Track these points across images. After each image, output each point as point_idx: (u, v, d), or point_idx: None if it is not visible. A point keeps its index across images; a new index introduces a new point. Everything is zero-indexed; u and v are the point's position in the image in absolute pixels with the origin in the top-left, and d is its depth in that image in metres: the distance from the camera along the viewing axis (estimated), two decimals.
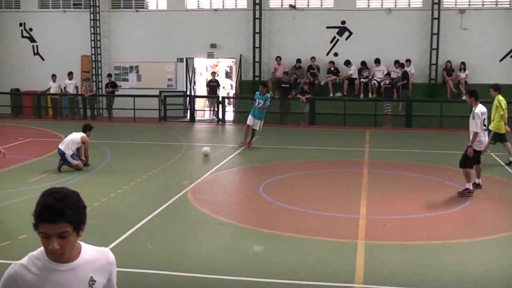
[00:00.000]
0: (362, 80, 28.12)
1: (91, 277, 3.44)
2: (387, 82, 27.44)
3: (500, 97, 16.76)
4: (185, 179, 14.65)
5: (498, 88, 16.99)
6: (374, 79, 27.95)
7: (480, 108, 13.13)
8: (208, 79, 31.11)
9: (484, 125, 13.30)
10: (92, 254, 3.49)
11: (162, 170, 16.12)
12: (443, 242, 10.07)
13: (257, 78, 29.60)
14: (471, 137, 13.02)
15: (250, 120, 20.48)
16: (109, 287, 3.61)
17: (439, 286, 8.06)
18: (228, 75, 35.00)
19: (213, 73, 30.85)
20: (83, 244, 3.48)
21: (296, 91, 27.68)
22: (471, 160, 13.08)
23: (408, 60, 27.79)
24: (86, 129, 16.36)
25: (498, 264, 9.17)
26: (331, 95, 28.33)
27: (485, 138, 13.41)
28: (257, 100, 20.46)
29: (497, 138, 17.01)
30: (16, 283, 3.35)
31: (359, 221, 11.18)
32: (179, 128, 26.45)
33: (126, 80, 31.19)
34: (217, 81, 30.19)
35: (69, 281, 3.37)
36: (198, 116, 30.32)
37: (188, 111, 29.73)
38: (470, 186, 13.08)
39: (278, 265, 8.84)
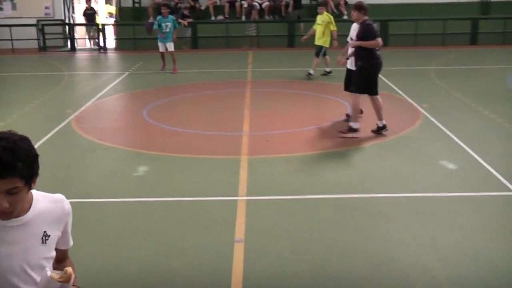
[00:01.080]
0: (243, 2, 28.16)
1: (45, 231, 2.95)
2: (246, 5, 27.72)
3: (329, 14, 18.01)
4: (68, 108, 14.45)
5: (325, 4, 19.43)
6: (256, 1, 28.02)
7: None
8: (85, 7, 30.34)
9: None
10: (45, 205, 2.96)
11: (44, 100, 15.81)
12: (324, 152, 10.53)
13: (137, 5, 29.17)
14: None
15: (161, 46, 20.47)
16: (64, 239, 3.14)
17: (324, 190, 8.47)
18: (108, 1, 34.22)
19: (88, 1, 30.02)
20: (34, 192, 2.95)
21: (177, 16, 27.43)
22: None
23: None
24: None
25: (374, 166, 9.71)
26: (213, 18, 28.27)
27: None
28: (162, 25, 20.21)
29: (319, 51, 18.34)
30: None
31: (242, 138, 11.47)
32: (60, 58, 25.80)
33: (0, 9, 29.92)
34: (93, 9, 29.48)
35: (19, 239, 2.86)
36: (80, 45, 29.64)
37: (68, 40, 29.03)
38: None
39: (164, 185, 9.02)
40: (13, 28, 27.81)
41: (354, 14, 11.52)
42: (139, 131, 12.72)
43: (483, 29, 27.45)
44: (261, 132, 11.97)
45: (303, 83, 17.77)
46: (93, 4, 30.18)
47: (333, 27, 18.13)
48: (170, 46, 20.33)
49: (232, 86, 17.50)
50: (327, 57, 18.27)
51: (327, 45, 18.17)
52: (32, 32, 28.36)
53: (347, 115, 12.74)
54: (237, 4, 28.17)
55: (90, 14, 29.03)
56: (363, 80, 11.40)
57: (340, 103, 14.22)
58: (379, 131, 11.62)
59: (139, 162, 10.22)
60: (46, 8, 29.80)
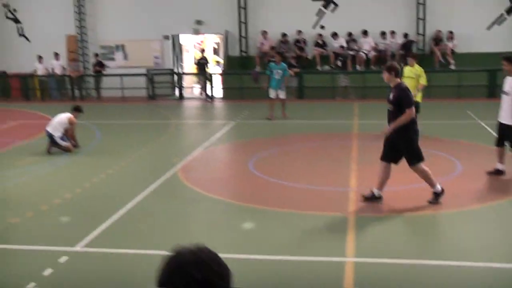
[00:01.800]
0: (349, 52, 28.05)
1: None
2: (340, 54, 27.62)
3: (420, 66, 16.88)
4: (175, 157, 14.63)
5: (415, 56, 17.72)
6: (362, 51, 27.91)
7: None
8: (197, 57, 30.93)
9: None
10: None
11: (152, 148, 16.11)
12: (434, 213, 10.12)
13: (244, 54, 29.57)
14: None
15: (272, 93, 20.83)
16: None
17: (433, 256, 8.11)
18: (216, 51, 34.85)
19: (202, 50, 30.70)
20: None
21: None
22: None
23: (392, 32, 27.89)
24: (74, 110, 16.22)
25: (489, 232, 9.25)
26: (319, 68, 28.30)
27: None
28: (274, 71, 20.70)
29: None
30: None
31: (349, 194, 11.24)
32: (168, 106, 26.41)
33: (112, 59, 30.98)
34: (205, 58, 30.09)
35: None
36: (187, 93, 30.26)
37: (177, 88, 29.67)
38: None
39: (269, 241, 8.88)
40: (124, 77, 28.73)
41: (385, 76, 10.63)
42: (245, 184, 12.69)
43: None
44: (368, 188, 11.66)
45: None
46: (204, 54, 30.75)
47: (423, 81, 16.63)
48: (282, 94, 20.60)
49: (338, 138, 17.30)
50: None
51: (421, 100, 16.57)
52: (142, 81, 29.18)
53: (497, 170, 12.30)
54: (343, 54, 28.07)
55: (202, 63, 29.58)
56: (415, 146, 10.62)
57: (447, 159, 13.78)
58: (372, 199, 10.78)
59: (244, 216, 10.14)
60: (156, 57, 30.68)
